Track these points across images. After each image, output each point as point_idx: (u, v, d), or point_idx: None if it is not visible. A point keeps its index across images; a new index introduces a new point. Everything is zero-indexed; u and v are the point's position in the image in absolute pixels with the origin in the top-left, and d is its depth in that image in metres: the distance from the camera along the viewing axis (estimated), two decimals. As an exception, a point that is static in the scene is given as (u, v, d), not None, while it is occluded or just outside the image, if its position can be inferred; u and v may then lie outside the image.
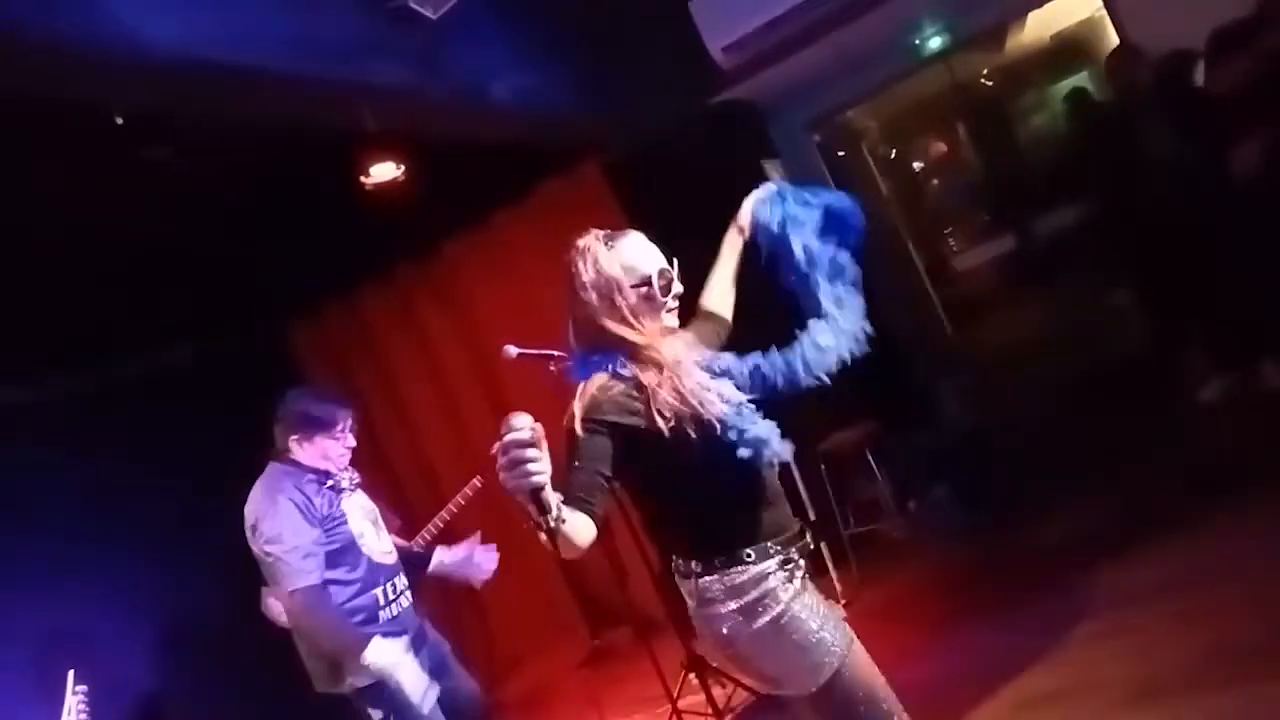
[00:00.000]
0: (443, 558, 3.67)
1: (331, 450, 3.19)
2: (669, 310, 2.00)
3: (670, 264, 2.02)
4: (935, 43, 5.96)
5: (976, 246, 10.31)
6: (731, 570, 1.87)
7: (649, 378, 1.85)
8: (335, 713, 3.19)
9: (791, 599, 1.87)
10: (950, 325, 8.15)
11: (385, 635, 3.03)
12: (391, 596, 3.17)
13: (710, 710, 3.95)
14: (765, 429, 1.87)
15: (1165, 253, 4.49)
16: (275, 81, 3.28)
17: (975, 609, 3.88)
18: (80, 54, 2.68)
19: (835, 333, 2.09)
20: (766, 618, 1.86)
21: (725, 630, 1.88)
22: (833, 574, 4.64)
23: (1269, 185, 3.73)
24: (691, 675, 3.98)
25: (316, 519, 3.01)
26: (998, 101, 10.10)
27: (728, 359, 2.05)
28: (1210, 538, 3.41)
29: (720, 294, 2.32)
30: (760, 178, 5.55)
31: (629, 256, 1.97)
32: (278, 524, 2.94)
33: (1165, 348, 4.98)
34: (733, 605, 1.87)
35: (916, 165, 11.51)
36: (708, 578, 1.89)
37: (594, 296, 1.92)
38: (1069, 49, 8.47)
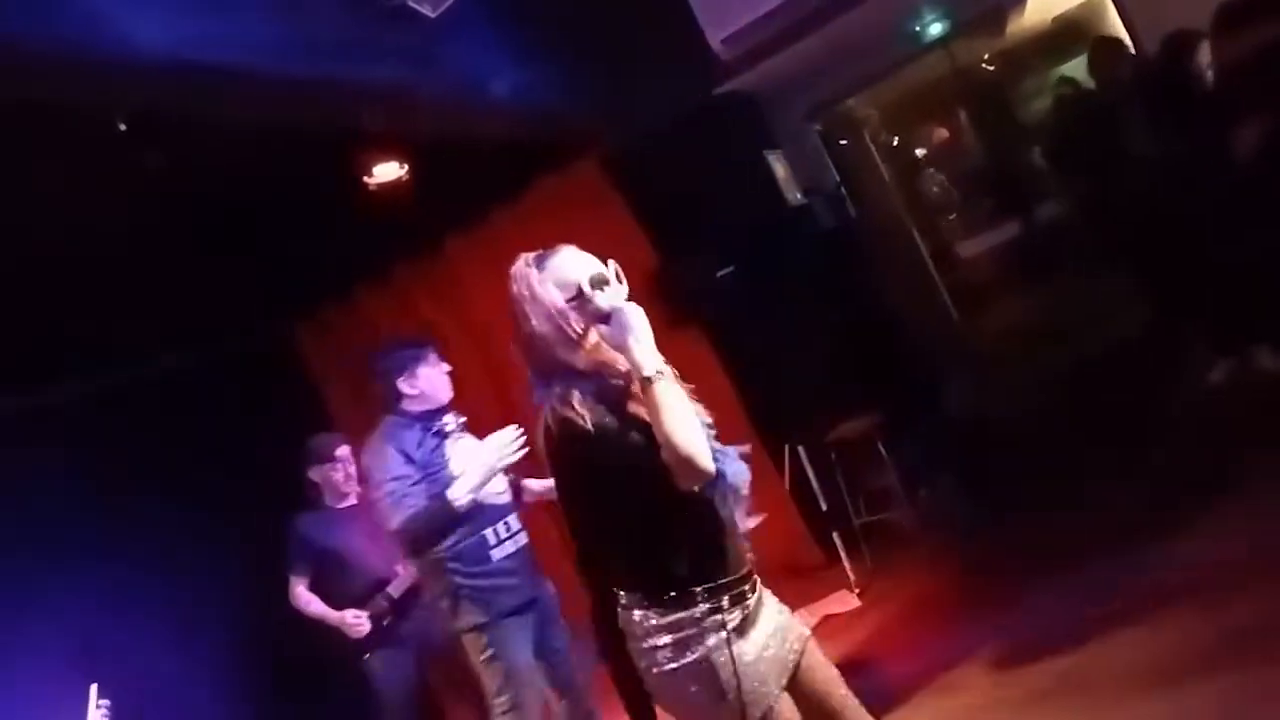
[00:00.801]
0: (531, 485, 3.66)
1: (435, 379, 3.39)
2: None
3: (605, 264, 1.99)
4: (935, 28, 5.95)
5: (981, 233, 10.28)
6: (662, 606, 1.85)
7: (605, 396, 1.85)
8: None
9: (717, 645, 1.84)
10: (956, 312, 8.13)
11: (496, 575, 3.18)
12: (504, 535, 3.26)
13: None
14: (730, 457, 1.88)
15: (1153, 243, 4.47)
16: (274, 82, 3.28)
17: (986, 598, 3.87)
18: (80, 60, 2.69)
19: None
20: (689, 659, 1.83)
21: (651, 665, 1.88)
22: (845, 563, 4.64)
23: (1269, 166, 3.70)
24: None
25: (416, 464, 3.20)
26: (999, 86, 10.05)
27: None
28: (1218, 523, 3.39)
29: None
30: (761, 170, 5.60)
31: (559, 273, 1.94)
32: (380, 467, 3.20)
33: (1165, 335, 4.96)
34: (660, 641, 1.85)
35: (919, 152, 11.47)
36: (640, 611, 1.88)
37: (535, 323, 1.90)
38: (1070, 31, 8.41)
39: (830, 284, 5.42)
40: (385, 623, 4.04)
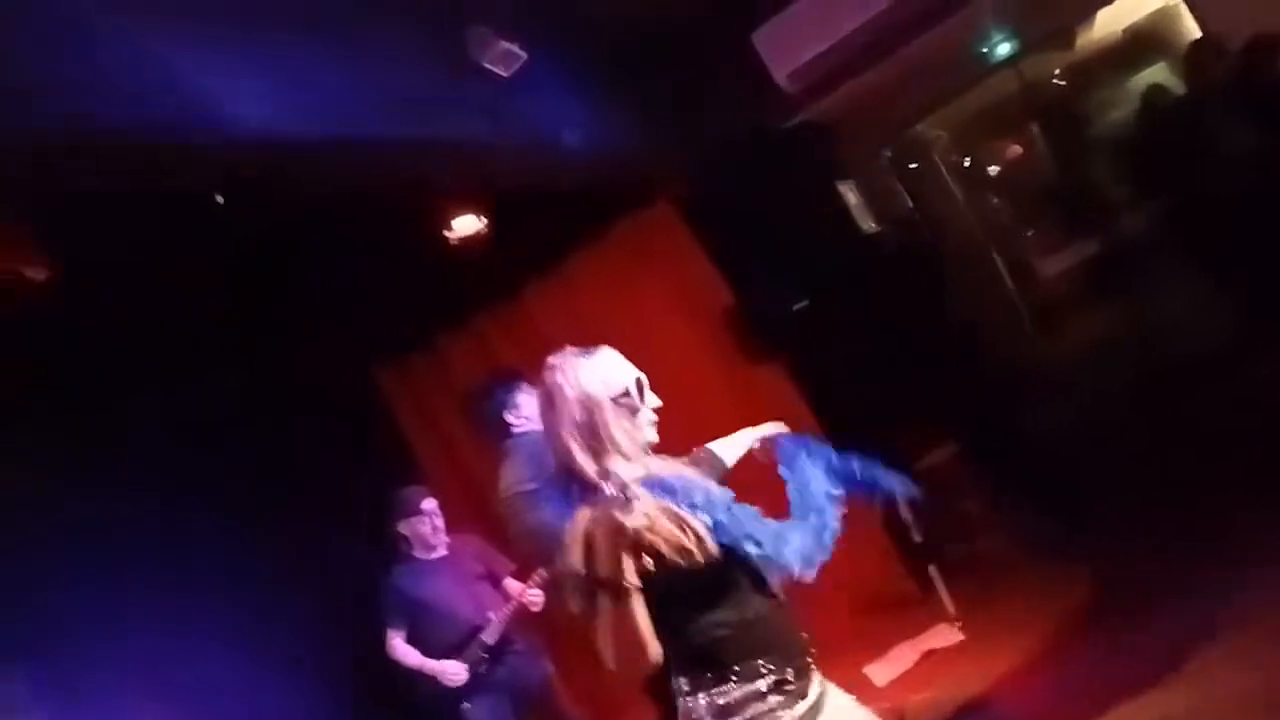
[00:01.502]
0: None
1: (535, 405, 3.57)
2: (651, 423, 1.99)
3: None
4: (1003, 49, 5.89)
5: (1060, 250, 10.04)
6: (717, 689, 1.81)
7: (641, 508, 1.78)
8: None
9: None
10: (1039, 331, 7.96)
11: None
12: None
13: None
14: (770, 531, 1.83)
15: (1253, 251, 4.33)
16: (358, 146, 3.41)
17: (1086, 626, 3.76)
18: (176, 142, 2.85)
19: (802, 538, 1.92)
20: None
21: None
22: (944, 595, 4.55)
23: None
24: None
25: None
26: (1072, 100, 9.86)
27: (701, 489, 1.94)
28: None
29: (728, 448, 2.30)
30: (833, 200, 5.59)
31: (606, 371, 1.96)
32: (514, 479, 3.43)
33: (1262, 349, 4.77)
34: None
35: (991, 170, 11.28)
36: (695, 696, 1.83)
37: (575, 413, 1.90)
38: (1142, 42, 8.24)
39: (908, 310, 5.37)
40: (481, 670, 4.09)
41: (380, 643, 4.19)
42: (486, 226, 4.43)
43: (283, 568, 4.73)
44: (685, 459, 2.11)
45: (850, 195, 5.69)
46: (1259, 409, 4.54)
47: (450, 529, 4.38)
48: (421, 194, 4.09)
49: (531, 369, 4.98)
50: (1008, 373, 6.46)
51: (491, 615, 4.12)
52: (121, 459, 4.66)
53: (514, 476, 3.43)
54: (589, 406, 1.90)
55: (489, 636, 4.09)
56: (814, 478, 2.06)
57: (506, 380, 3.70)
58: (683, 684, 1.86)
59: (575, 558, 1.77)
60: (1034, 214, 10.60)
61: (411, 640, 4.16)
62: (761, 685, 1.80)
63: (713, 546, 1.77)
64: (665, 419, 3.06)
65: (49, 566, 4.15)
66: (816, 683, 1.90)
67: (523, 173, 4.36)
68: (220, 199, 3.24)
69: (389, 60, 3.27)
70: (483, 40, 3.54)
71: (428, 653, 4.11)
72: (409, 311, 5.31)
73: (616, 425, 1.90)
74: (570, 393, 1.91)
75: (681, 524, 1.76)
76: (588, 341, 4.95)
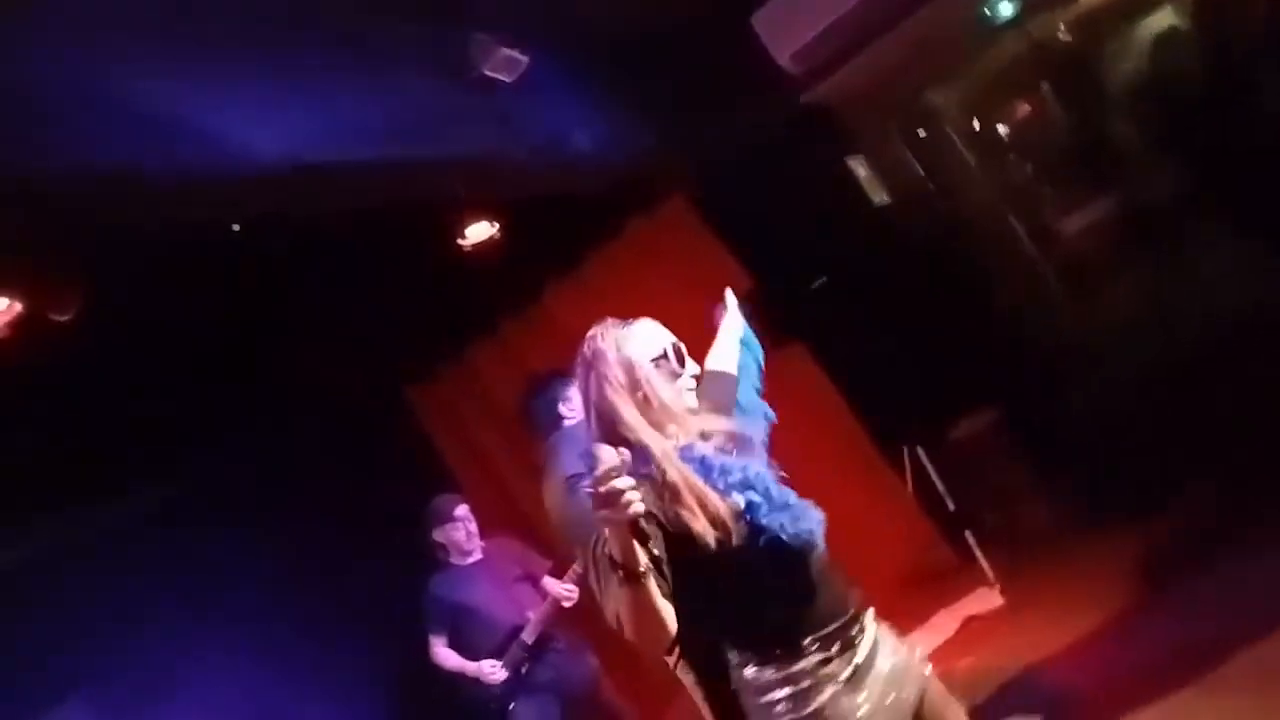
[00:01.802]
0: None
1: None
2: (689, 389, 2.02)
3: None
4: (1006, 9, 5.84)
5: (1081, 208, 9.92)
6: (774, 662, 1.83)
7: (673, 477, 1.80)
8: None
9: (832, 698, 1.81)
10: (1063, 291, 7.87)
11: None
12: None
13: None
14: (797, 512, 1.85)
15: None
16: (371, 165, 3.46)
17: (1129, 592, 3.74)
18: (193, 177, 2.90)
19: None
20: (806, 712, 1.81)
21: (775, 718, 1.84)
22: (982, 561, 4.55)
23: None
24: None
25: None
26: (1080, 54, 9.72)
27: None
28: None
29: (724, 357, 2.42)
30: (847, 178, 5.58)
31: (645, 338, 2.01)
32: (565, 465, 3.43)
33: None
34: (777, 695, 1.83)
35: (1001, 130, 11.15)
36: (753, 668, 1.85)
37: (618, 381, 1.92)
38: (1148, -14, 8.10)
39: (928, 279, 5.35)
40: (524, 670, 4.16)
41: (425, 652, 4.27)
42: (500, 232, 4.44)
43: (329, 588, 4.82)
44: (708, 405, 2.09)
45: (861, 170, 5.67)
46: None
47: (485, 533, 4.46)
48: (437, 206, 4.12)
49: (557, 367, 5.00)
50: (1036, 337, 6.41)
51: (531, 615, 4.18)
52: (179, 497, 4.80)
53: (566, 463, 3.49)
54: (629, 368, 1.93)
55: (528, 636, 4.16)
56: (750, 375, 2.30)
57: (559, 376, 3.73)
58: (732, 658, 1.89)
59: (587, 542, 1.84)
60: (1050, 174, 10.49)
61: (455, 646, 4.24)
62: (812, 654, 1.83)
63: (741, 528, 1.78)
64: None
65: (113, 601, 4.26)
66: (869, 636, 1.91)
67: (535, 177, 4.38)
68: (236, 228, 3.28)
69: (394, 78, 3.30)
70: (484, 48, 3.56)
71: (472, 656, 4.18)
72: (432, 324, 5.36)
73: (660, 386, 1.93)
74: (611, 356, 1.94)
75: (704, 504, 1.77)
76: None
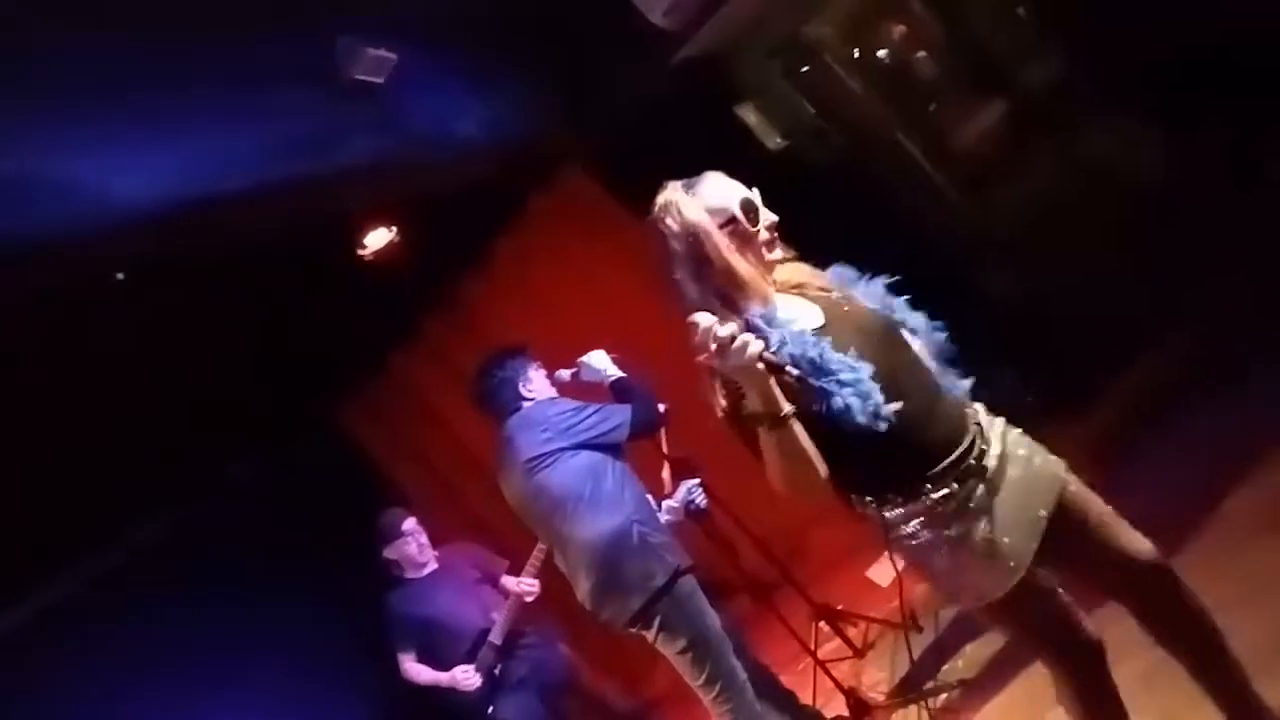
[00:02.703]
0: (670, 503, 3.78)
1: (543, 380, 3.66)
2: (767, 243, 1.91)
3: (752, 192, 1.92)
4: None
5: (970, 119, 10.05)
6: (889, 507, 1.82)
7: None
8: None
9: (968, 513, 1.79)
10: (965, 202, 7.99)
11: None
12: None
13: (850, 652, 3.99)
14: (859, 382, 1.72)
15: (1176, 67, 4.31)
16: (254, 190, 3.33)
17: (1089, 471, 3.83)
18: (66, 230, 2.75)
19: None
20: (937, 538, 1.80)
21: (909, 550, 1.84)
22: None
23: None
24: (823, 624, 4.02)
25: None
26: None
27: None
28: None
29: None
30: (738, 126, 5.55)
31: (710, 198, 1.88)
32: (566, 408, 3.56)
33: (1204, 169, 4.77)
34: (906, 530, 1.82)
35: (881, 54, 11.24)
36: (887, 510, 1.83)
37: (684, 251, 1.83)
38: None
39: (833, 214, 5.38)
40: (498, 671, 4.11)
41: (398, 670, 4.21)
42: (399, 235, 4.35)
43: (289, 628, 4.73)
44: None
45: (751, 116, 5.66)
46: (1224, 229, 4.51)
47: (437, 540, 4.40)
48: (331, 221, 4.01)
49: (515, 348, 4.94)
50: (949, 249, 6.51)
51: (495, 616, 4.14)
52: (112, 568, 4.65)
53: (533, 442, 3.45)
54: (694, 236, 1.83)
55: (496, 637, 4.11)
56: None
57: (517, 353, 3.70)
58: (869, 501, 1.86)
59: (718, 399, 1.77)
60: (935, 89, 10.62)
61: (425, 658, 4.17)
62: (930, 494, 1.80)
63: (813, 404, 1.69)
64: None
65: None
66: (994, 451, 1.86)
67: (426, 174, 4.28)
68: (120, 276, 3.13)
69: (263, 98, 3.17)
70: (351, 52, 3.44)
71: (444, 667, 4.12)
72: (349, 339, 5.25)
73: (728, 253, 1.82)
74: (675, 227, 1.85)
75: (770, 379, 1.64)
76: (536, 324, 4.96)
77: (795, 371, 1.66)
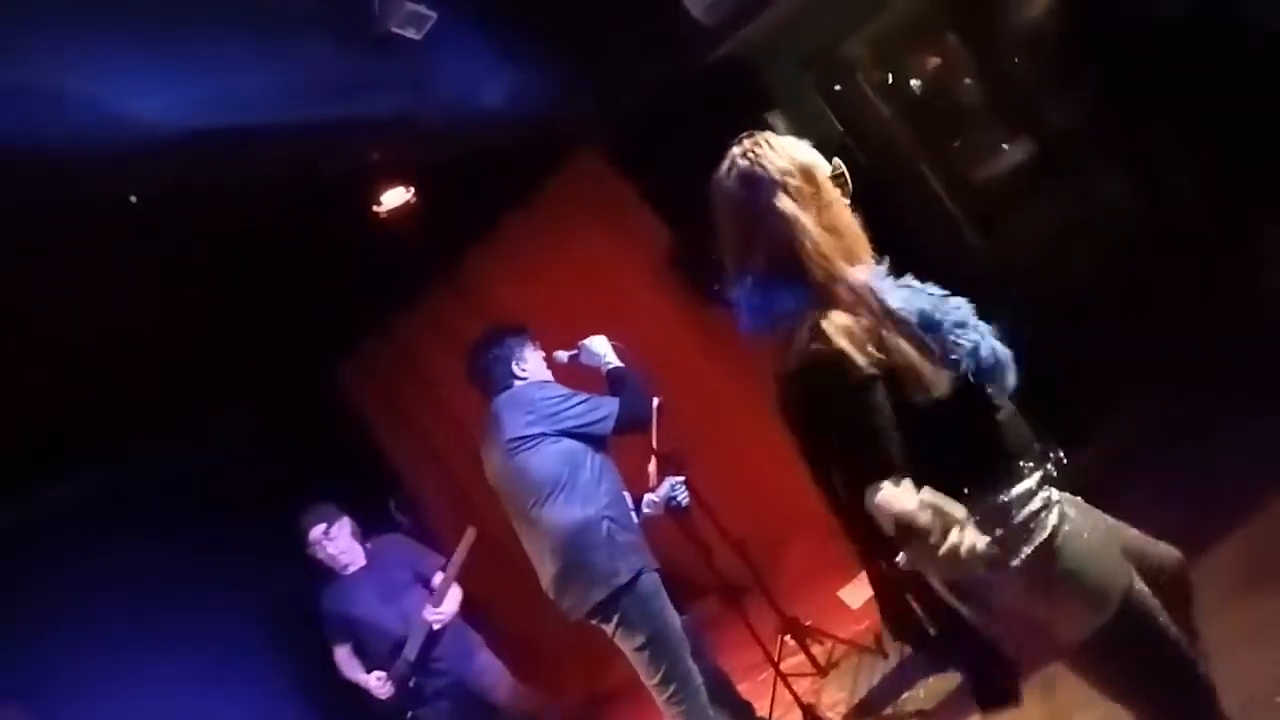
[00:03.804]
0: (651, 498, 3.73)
1: (539, 362, 3.67)
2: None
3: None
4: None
5: (993, 156, 10.07)
6: (981, 497, 1.57)
7: (853, 305, 1.58)
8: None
9: (1060, 522, 1.59)
10: (980, 238, 8.00)
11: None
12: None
13: (813, 669, 3.97)
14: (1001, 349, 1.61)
15: (1210, 121, 4.31)
16: (275, 132, 3.29)
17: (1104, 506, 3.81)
18: (85, 148, 2.72)
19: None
20: (1030, 547, 1.57)
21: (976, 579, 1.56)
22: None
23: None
24: (789, 637, 4.00)
25: None
26: (983, 3, 9.83)
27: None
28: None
29: None
30: (763, 130, 5.54)
31: (800, 153, 1.71)
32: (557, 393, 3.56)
33: (1228, 225, 4.75)
34: (995, 535, 1.53)
35: (914, 82, 11.25)
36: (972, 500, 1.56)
37: (802, 192, 1.63)
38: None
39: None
40: (412, 683, 4.05)
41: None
42: (414, 197, 4.32)
43: (249, 582, 4.69)
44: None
45: (779, 125, 5.64)
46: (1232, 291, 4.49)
47: (372, 533, 4.33)
48: (350, 173, 3.98)
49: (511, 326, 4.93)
50: (956, 282, 6.49)
51: (414, 626, 4.05)
52: (89, 495, 4.60)
53: (517, 423, 3.44)
54: (812, 176, 1.66)
55: (409, 651, 4.02)
56: None
57: (516, 331, 3.69)
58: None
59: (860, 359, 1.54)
60: (962, 124, 10.63)
61: (358, 652, 4.15)
62: (1029, 483, 1.62)
63: (960, 365, 1.59)
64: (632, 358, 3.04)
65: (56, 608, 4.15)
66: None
67: (447, 138, 4.25)
68: (133, 199, 3.10)
69: (297, 38, 3.15)
70: (389, 4, 3.42)
71: (370, 665, 4.09)
72: (352, 295, 5.22)
73: (836, 208, 1.66)
74: (784, 163, 1.66)
75: (924, 342, 1.57)
76: (538, 303, 4.91)
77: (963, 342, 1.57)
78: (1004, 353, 1.64)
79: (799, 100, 6.10)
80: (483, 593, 5.83)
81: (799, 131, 5.85)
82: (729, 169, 1.73)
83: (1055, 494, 1.65)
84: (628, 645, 3.37)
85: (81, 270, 3.44)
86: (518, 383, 3.56)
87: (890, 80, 10.30)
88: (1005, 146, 9.68)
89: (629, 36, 4.71)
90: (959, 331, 1.60)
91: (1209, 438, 3.53)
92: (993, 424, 1.65)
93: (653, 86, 4.89)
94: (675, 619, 3.39)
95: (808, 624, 4.07)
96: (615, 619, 3.33)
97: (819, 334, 1.57)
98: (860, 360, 1.53)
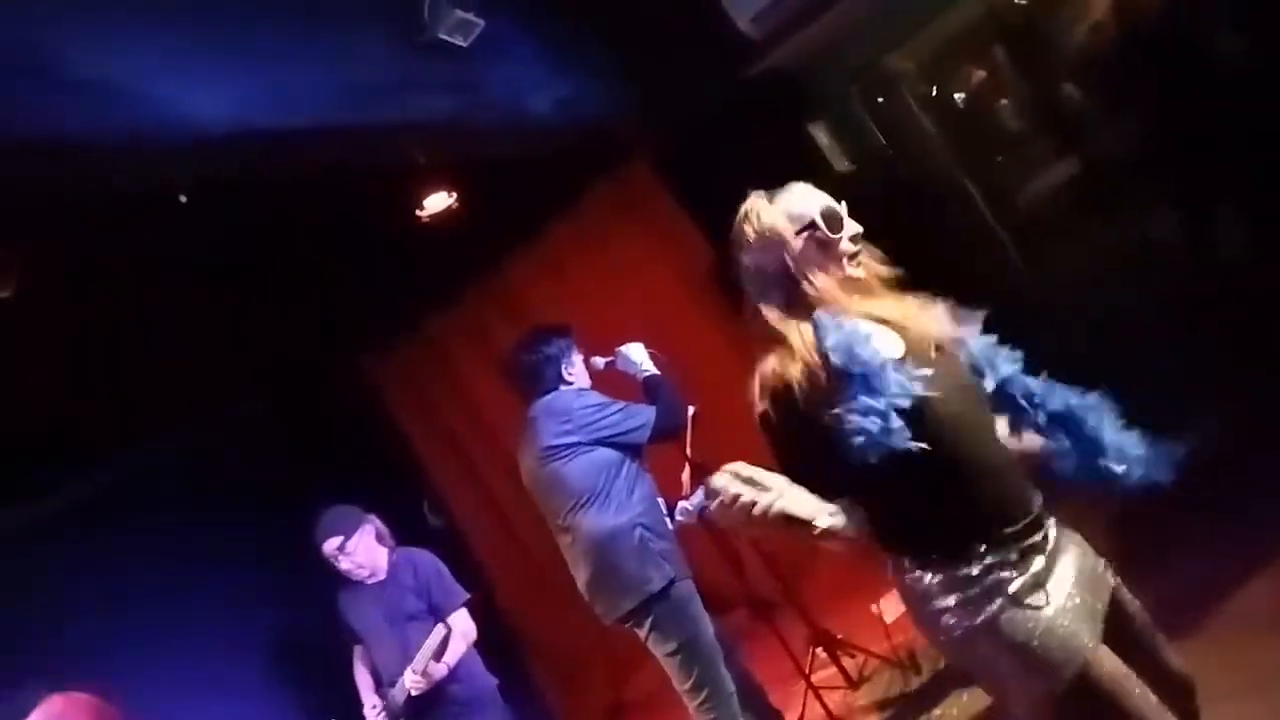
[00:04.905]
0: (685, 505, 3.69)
1: (583, 369, 3.67)
2: (850, 257, 1.82)
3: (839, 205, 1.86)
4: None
5: (1038, 174, 9.97)
6: (933, 569, 1.67)
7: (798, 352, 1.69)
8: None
9: (1020, 590, 1.63)
10: (1020, 256, 7.92)
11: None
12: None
13: (844, 682, 3.94)
14: (883, 413, 1.60)
15: (1243, 158, 4.27)
16: (321, 133, 3.34)
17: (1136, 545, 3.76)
18: (136, 146, 2.78)
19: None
20: (978, 620, 1.63)
21: (944, 629, 1.67)
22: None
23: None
24: (820, 650, 3.98)
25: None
26: (1034, 17, 9.75)
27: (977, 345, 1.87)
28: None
29: None
30: (807, 143, 5.53)
31: (791, 205, 1.83)
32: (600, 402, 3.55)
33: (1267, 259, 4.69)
34: (950, 601, 1.65)
35: (958, 97, 11.17)
36: (921, 574, 1.69)
37: (760, 257, 1.79)
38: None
39: (884, 244, 5.34)
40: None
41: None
42: (458, 202, 4.36)
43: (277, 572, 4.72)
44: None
45: (822, 136, 5.64)
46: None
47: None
48: (393, 175, 4.02)
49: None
50: (995, 302, 6.43)
51: (413, 668, 3.61)
52: (122, 482, 4.67)
53: (553, 431, 3.45)
54: (770, 241, 1.80)
55: (399, 694, 3.65)
56: None
57: (564, 333, 3.68)
58: (905, 562, 1.73)
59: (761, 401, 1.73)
60: (1006, 140, 10.53)
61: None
62: (982, 559, 1.65)
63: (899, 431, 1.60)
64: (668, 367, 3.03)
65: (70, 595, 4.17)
66: (1051, 542, 1.72)
67: (493, 144, 4.29)
68: (184, 199, 3.16)
69: (347, 42, 3.20)
70: (438, 11, 3.46)
71: (378, 678, 3.82)
72: (390, 295, 5.27)
73: (804, 261, 1.78)
74: (752, 233, 1.82)
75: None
76: (575, 310, 4.92)
77: (839, 365, 1.63)
78: (882, 436, 1.59)
79: (843, 113, 6.09)
80: (512, 598, 5.88)
81: (842, 143, 5.88)
82: (738, 228, 1.87)
83: (1038, 561, 1.67)
84: (660, 651, 3.37)
85: (127, 260, 3.50)
86: (562, 386, 3.56)
87: (935, 94, 10.26)
88: (1049, 165, 9.60)
89: (675, 48, 4.74)
90: (862, 399, 1.61)
91: (1246, 472, 3.45)
92: (960, 488, 1.68)
93: (698, 98, 4.90)
94: (708, 626, 3.39)
95: (839, 636, 4.04)
96: (648, 625, 3.33)
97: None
98: (758, 405, 1.73)
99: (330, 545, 3.72)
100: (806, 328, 1.72)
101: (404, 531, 4.30)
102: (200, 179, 3.11)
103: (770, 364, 1.73)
